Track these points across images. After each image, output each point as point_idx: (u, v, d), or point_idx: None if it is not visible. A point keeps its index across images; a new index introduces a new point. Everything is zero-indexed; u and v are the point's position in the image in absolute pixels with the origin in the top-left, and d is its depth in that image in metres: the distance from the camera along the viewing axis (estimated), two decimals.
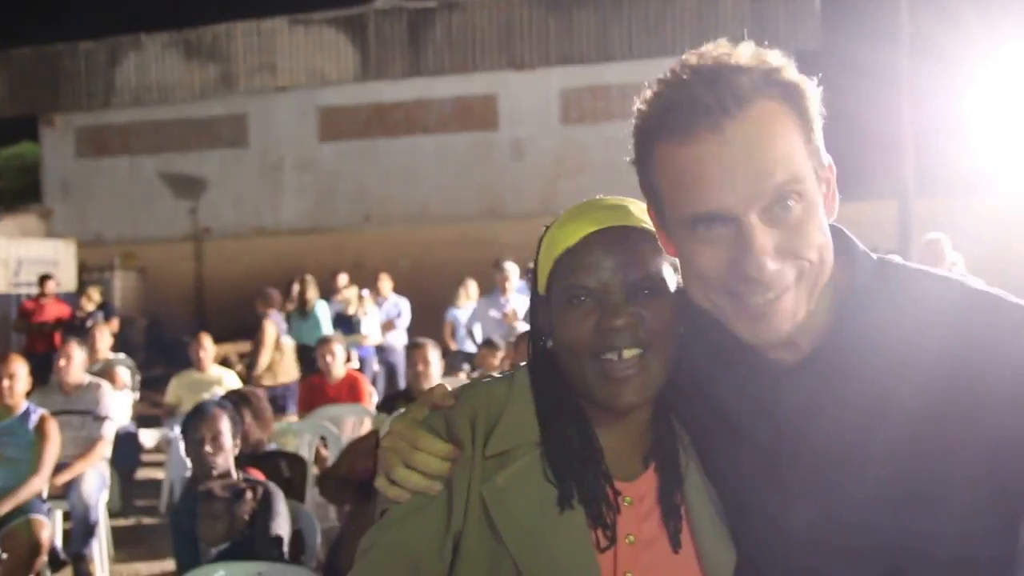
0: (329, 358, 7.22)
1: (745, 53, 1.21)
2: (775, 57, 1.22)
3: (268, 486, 3.48)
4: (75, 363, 6.27)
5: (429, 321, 11.62)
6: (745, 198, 1.17)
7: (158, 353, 16.30)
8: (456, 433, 1.39)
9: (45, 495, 5.47)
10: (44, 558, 5.21)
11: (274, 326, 8.91)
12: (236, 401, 4.66)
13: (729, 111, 1.16)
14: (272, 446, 4.89)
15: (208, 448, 3.70)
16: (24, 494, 5.20)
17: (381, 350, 11.06)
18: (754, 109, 1.17)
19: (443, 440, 1.38)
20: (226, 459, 3.71)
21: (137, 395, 8.34)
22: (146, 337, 16.33)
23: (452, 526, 1.35)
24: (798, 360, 1.30)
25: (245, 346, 13.37)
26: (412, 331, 10.88)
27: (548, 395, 1.41)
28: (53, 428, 5.51)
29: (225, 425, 3.77)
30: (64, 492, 5.74)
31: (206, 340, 7.87)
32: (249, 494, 3.32)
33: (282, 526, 3.36)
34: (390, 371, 11.06)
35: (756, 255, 1.17)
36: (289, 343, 9.03)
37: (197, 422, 3.75)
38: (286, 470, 4.52)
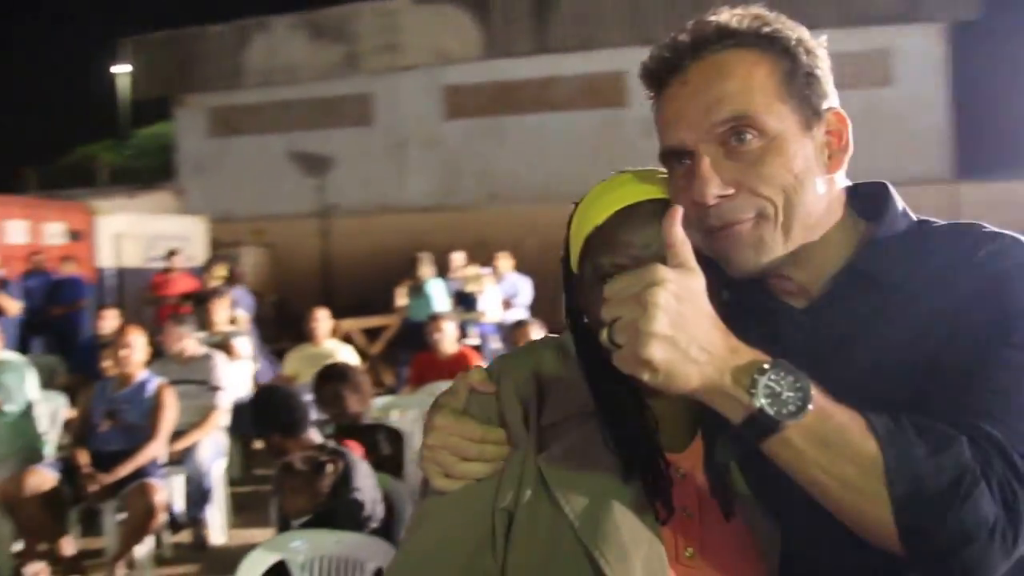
0: (438, 335, 7.38)
1: (735, 13, 1.31)
2: (765, 17, 1.31)
3: (349, 458, 3.59)
4: (175, 340, 6.59)
5: (558, 301, 11.66)
6: (695, 131, 1.27)
7: (286, 327, 16.86)
8: (506, 415, 1.38)
9: (163, 461, 5.78)
10: (161, 520, 5.52)
11: None
12: (335, 375, 4.84)
13: (692, 55, 1.29)
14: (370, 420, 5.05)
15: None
16: (141, 459, 5.51)
17: (501, 328, 11.20)
18: (718, 54, 1.28)
19: (494, 426, 1.37)
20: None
21: (258, 366, 8.67)
22: (275, 311, 16.92)
23: (500, 502, 1.34)
24: (806, 305, 1.35)
25: (368, 322, 13.74)
26: (536, 310, 10.98)
27: (596, 367, 1.39)
28: (170, 396, 5.81)
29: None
30: (182, 458, 6.06)
31: (321, 314, 8.12)
32: (330, 467, 3.45)
33: (363, 498, 3.47)
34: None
35: (700, 182, 1.26)
36: None
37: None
38: (384, 444, 4.66)
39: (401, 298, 10.97)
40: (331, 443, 3.90)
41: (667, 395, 1.38)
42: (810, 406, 1.12)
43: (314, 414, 5.25)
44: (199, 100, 21.83)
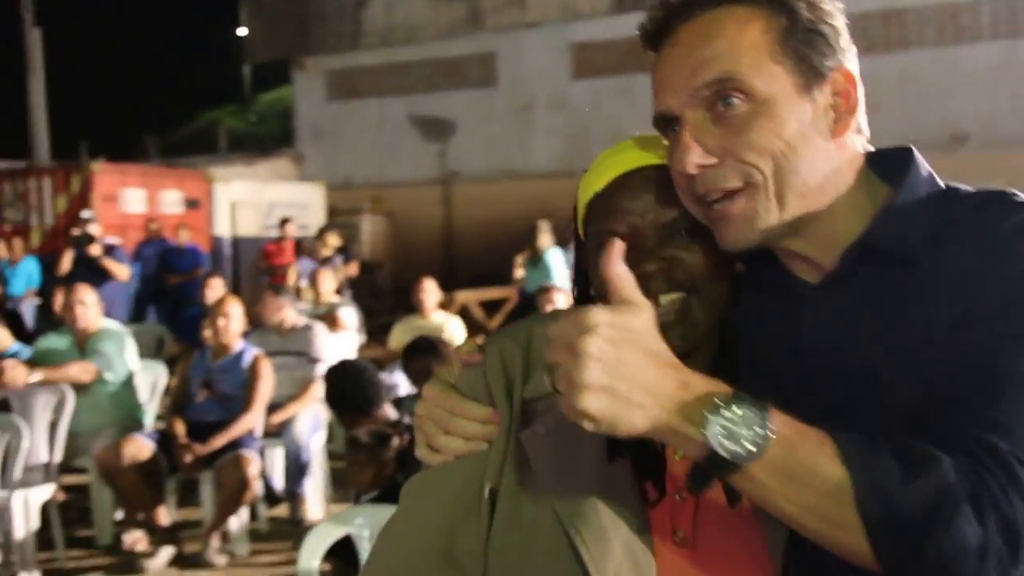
0: (549, 307, 7.42)
1: None
2: None
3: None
4: (274, 310, 6.82)
5: None
6: (679, 95, 1.26)
7: (405, 298, 17.21)
8: (491, 388, 1.39)
9: (260, 433, 6.01)
10: (255, 492, 5.75)
11: None
12: (424, 348, 4.94)
13: (682, 15, 1.28)
14: None
15: None
16: (236, 430, 5.74)
17: None
18: (709, 12, 1.26)
19: (479, 403, 1.39)
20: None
21: (363, 338, 8.90)
22: (393, 282, 17.27)
23: (488, 481, 1.37)
24: (819, 281, 1.32)
25: (487, 294, 13.89)
26: None
27: None
28: (266, 367, 6.03)
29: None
30: (280, 431, 6.28)
31: (428, 285, 8.26)
32: (396, 440, 3.53)
33: None
34: None
35: (680, 151, 1.26)
36: None
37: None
38: None
39: (519, 269, 11.06)
40: (408, 419, 3.98)
41: None
42: (770, 442, 1.10)
43: (405, 388, 5.39)
44: (317, 63, 22.35)
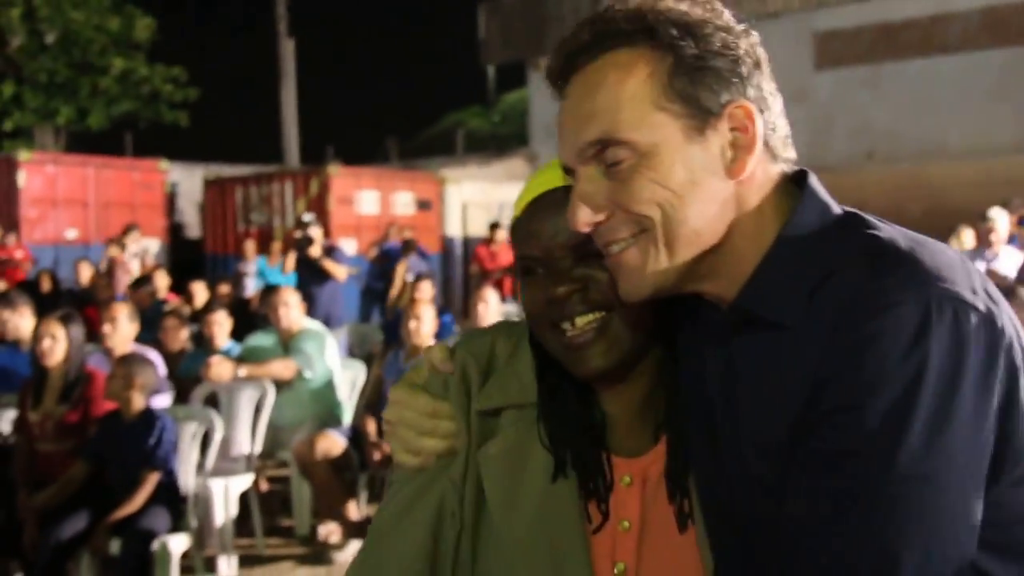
0: None
1: (619, 3, 1.25)
2: (649, 2, 1.24)
3: None
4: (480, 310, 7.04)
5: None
6: (571, 151, 1.26)
7: None
8: (451, 399, 1.43)
9: None
10: None
11: None
12: None
13: (572, 64, 1.26)
14: None
15: None
16: None
17: None
18: (594, 62, 1.24)
19: (446, 401, 1.43)
20: None
21: None
22: None
23: (453, 474, 1.42)
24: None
25: None
26: None
27: (542, 357, 1.42)
28: None
29: None
30: None
31: None
32: None
33: None
34: None
35: (571, 209, 1.25)
36: None
37: None
38: None
39: None
40: None
41: (623, 396, 1.43)
42: None
43: None
44: None
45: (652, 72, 1.20)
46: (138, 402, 4.90)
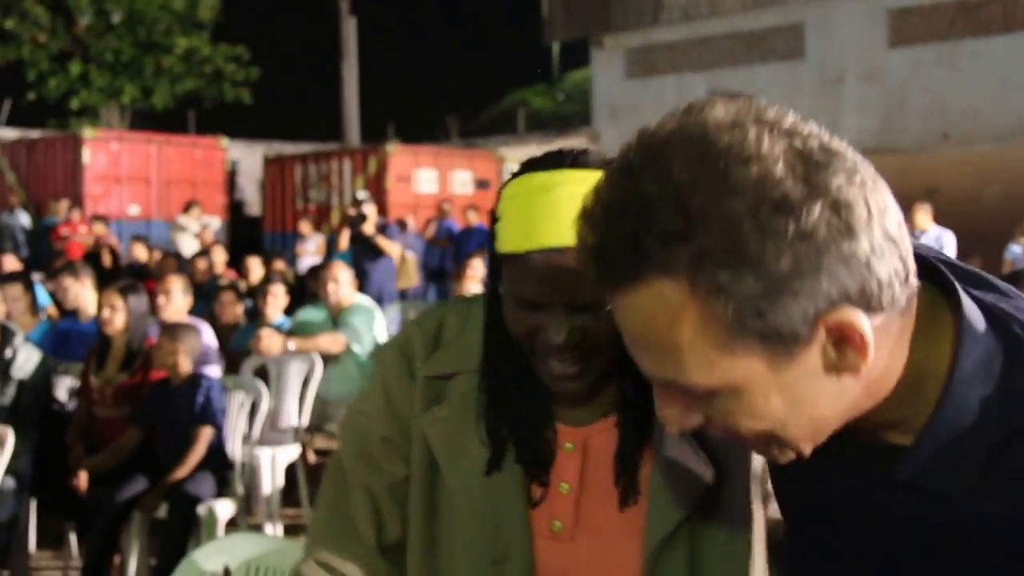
0: None
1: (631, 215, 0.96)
2: (669, 210, 0.93)
3: None
4: None
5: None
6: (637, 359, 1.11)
7: None
8: (390, 370, 1.58)
9: None
10: None
11: None
12: None
13: (607, 279, 1.00)
14: None
15: None
16: None
17: None
18: (635, 285, 0.97)
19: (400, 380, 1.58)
20: None
21: None
22: None
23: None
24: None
25: None
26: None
27: (496, 328, 1.49)
28: None
29: None
30: None
31: None
32: None
33: None
34: None
35: (664, 413, 1.09)
36: None
37: None
38: None
39: None
40: None
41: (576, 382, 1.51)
42: None
43: None
44: (616, 40, 22.68)
45: (707, 317, 0.93)
46: (184, 367, 5.09)
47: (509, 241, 1.39)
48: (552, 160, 1.41)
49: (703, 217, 0.90)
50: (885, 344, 0.98)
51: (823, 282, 0.91)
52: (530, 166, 1.43)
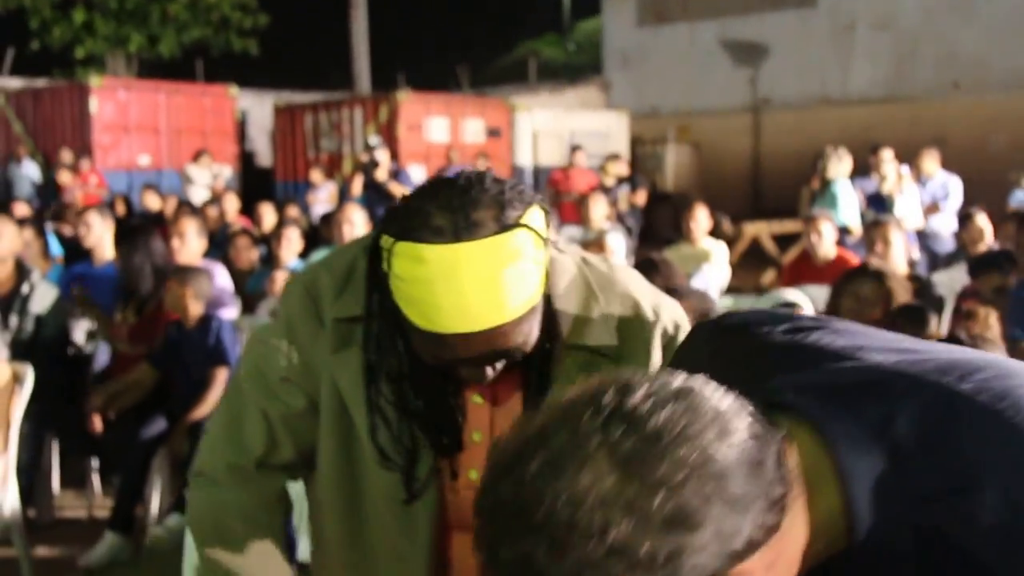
0: (815, 237, 7.32)
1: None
2: None
3: None
4: None
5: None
6: None
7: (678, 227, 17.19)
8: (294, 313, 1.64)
9: None
10: None
11: None
12: (646, 265, 5.12)
13: None
14: None
15: None
16: None
17: (923, 236, 10.74)
18: None
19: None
20: None
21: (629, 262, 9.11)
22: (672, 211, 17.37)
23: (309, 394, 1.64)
24: None
25: (782, 226, 13.72)
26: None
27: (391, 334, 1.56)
28: None
29: None
30: None
31: (699, 212, 8.35)
32: None
33: None
34: (932, 260, 10.70)
35: None
36: None
37: None
38: None
39: (805, 202, 10.86)
40: None
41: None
42: None
43: None
44: None
45: None
46: (195, 309, 5.09)
47: (417, 318, 1.41)
48: (445, 222, 1.36)
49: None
50: (788, 538, 0.99)
51: None
52: (421, 229, 1.38)
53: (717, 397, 0.97)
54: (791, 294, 3.73)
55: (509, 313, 1.38)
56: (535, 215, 1.43)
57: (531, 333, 1.46)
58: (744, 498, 0.91)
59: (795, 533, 1.00)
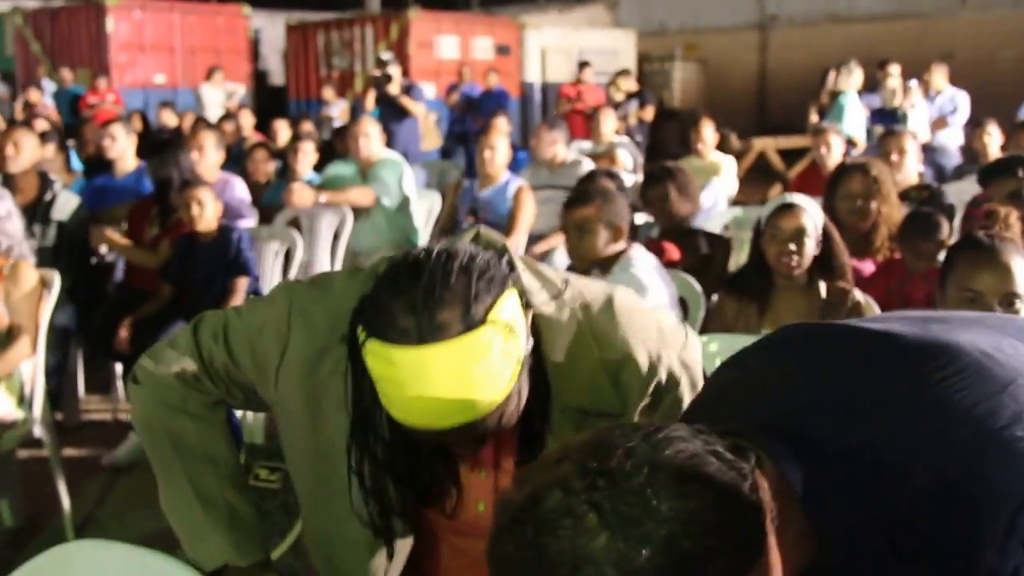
0: (824, 149, 7.25)
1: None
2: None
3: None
4: (547, 145, 7.08)
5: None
6: None
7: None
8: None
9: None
10: None
11: None
12: (662, 175, 5.07)
13: None
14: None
15: None
16: None
17: (930, 150, 10.63)
18: None
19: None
20: None
21: (639, 177, 9.05)
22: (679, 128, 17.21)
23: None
24: None
25: (787, 142, 13.60)
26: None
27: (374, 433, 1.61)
28: (528, 197, 6.36)
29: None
30: (542, 260, 6.64)
31: (706, 127, 8.28)
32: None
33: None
34: (939, 174, 10.62)
35: None
36: None
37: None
38: (705, 248, 4.85)
39: (814, 115, 10.73)
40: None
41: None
42: None
43: (641, 217, 5.56)
44: None
45: None
46: (210, 222, 5.05)
47: (392, 411, 1.43)
48: (410, 324, 1.36)
49: None
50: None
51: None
52: (388, 329, 1.37)
53: (693, 445, 1.03)
54: (793, 197, 3.68)
55: (481, 408, 1.38)
56: (508, 302, 1.40)
57: (510, 413, 1.46)
58: (727, 536, 0.99)
59: (773, 557, 1.06)
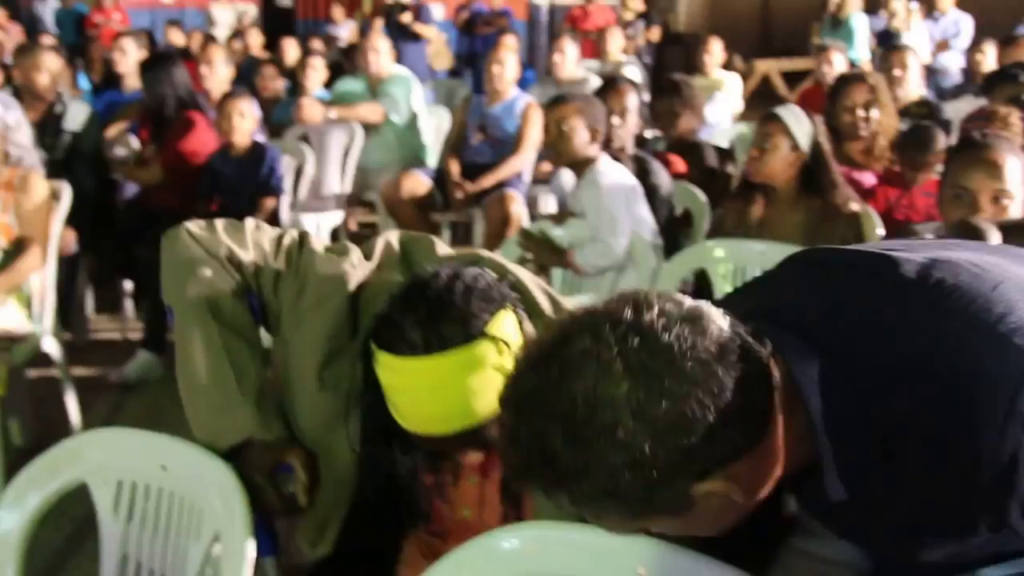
0: (827, 67, 7.15)
1: None
2: None
3: (648, 165, 3.91)
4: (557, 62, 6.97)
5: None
6: None
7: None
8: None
9: (529, 178, 6.32)
10: (515, 229, 6.10)
11: None
12: (670, 89, 4.98)
13: None
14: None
15: (615, 120, 4.19)
16: (504, 171, 6.06)
17: (931, 72, 10.45)
18: None
19: None
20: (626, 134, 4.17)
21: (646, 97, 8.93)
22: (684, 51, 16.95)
23: None
24: None
25: (790, 64, 13.44)
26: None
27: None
28: (536, 114, 6.23)
29: (631, 102, 4.20)
30: (548, 180, 6.56)
31: (713, 45, 8.17)
32: None
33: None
34: (939, 94, 10.46)
35: None
36: None
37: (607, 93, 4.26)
38: (711, 160, 4.79)
39: (816, 36, 10.54)
40: (643, 155, 4.22)
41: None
42: None
43: (649, 132, 5.48)
44: None
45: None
46: (246, 135, 4.95)
47: (398, 417, 1.56)
48: (417, 337, 1.48)
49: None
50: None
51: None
52: (397, 342, 1.50)
53: (720, 321, 1.06)
54: (778, 109, 3.58)
55: (480, 415, 1.49)
56: (505, 320, 1.53)
57: None
58: (740, 409, 1.02)
59: (776, 442, 1.10)
